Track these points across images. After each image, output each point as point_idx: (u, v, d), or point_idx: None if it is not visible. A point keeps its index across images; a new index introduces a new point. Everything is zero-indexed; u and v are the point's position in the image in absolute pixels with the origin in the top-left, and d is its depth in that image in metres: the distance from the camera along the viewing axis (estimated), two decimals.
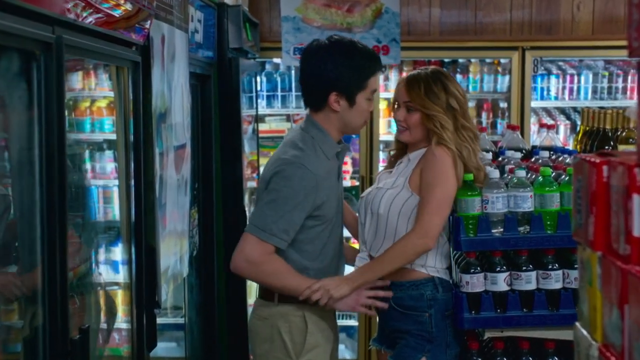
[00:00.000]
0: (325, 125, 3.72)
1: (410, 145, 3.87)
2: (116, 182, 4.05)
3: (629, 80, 7.55)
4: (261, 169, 6.45)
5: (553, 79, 7.61)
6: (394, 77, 7.54)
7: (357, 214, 4.01)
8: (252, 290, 6.81)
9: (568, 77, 7.60)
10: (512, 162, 4.16)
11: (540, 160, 4.14)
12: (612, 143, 4.44)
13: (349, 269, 4.00)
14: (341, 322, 7.33)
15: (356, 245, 4.12)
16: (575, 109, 7.75)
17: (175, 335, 5.81)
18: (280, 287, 3.67)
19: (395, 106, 3.89)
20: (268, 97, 7.63)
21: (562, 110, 7.86)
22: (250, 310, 6.38)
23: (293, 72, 7.49)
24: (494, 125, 7.65)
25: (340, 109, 3.68)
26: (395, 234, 3.74)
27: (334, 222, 3.76)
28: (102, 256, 4.01)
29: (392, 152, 4.04)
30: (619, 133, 4.45)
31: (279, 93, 7.58)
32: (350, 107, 3.69)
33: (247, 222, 3.69)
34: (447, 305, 3.77)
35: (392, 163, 3.98)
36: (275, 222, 3.57)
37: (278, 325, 3.72)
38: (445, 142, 3.68)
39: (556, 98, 7.64)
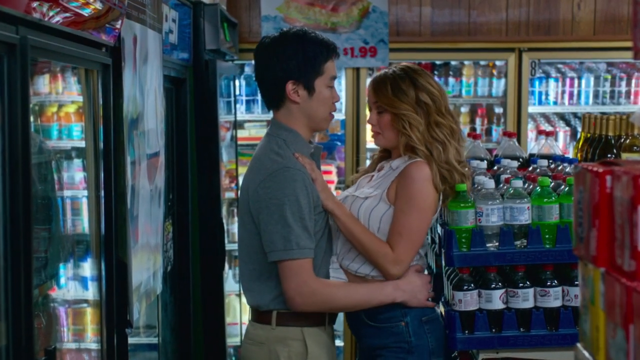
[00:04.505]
0: (290, 124, 3.73)
1: (394, 151, 3.86)
2: (85, 192, 4.03)
3: (633, 84, 7.58)
4: (240, 179, 6.45)
5: (552, 83, 7.64)
6: None
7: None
8: (230, 308, 6.81)
9: (568, 81, 7.63)
10: (508, 171, 4.15)
11: (538, 170, 4.14)
12: (615, 151, 4.44)
13: None
14: None
15: None
16: (575, 115, 7.78)
17: (148, 357, 5.79)
18: (352, 304, 3.71)
19: (369, 110, 3.91)
20: (247, 101, 7.62)
21: (562, 116, 7.89)
22: (228, 329, 6.38)
23: None
24: (489, 132, 7.67)
25: (300, 99, 3.70)
26: None
27: (329, 228, 3.74)
28: (70, 272, 4.00)
29: (375, 156, 4.03)
30: (622, 140, 4.45)
31: (259, 97, 7.56)
32: (310, 96, 3.70)
33: (268, 253, 3.59)
34: (423, 311, 3.73)
35: (374, 164, 3.96)
36: (297, 235, 3.54)
37: (277, 351, 3.65)
38: (414, 144, 3.67)
39: (555, 103, 7.66)
